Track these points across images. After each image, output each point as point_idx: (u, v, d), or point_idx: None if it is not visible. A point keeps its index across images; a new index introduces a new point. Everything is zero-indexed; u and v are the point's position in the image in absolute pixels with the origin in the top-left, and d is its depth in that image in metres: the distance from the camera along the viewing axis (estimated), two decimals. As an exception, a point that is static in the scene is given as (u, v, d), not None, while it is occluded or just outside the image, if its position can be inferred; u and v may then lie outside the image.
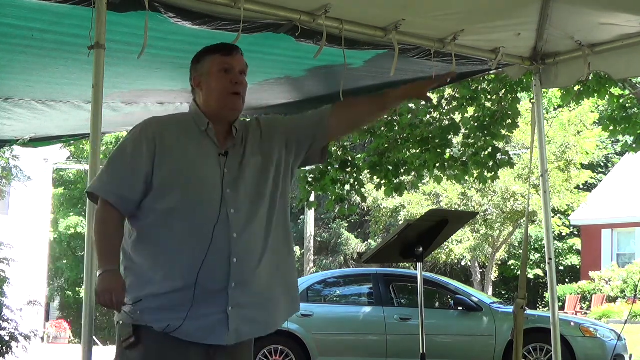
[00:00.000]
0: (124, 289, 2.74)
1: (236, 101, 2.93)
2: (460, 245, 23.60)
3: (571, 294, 23.41)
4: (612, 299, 22.07)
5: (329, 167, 9.80)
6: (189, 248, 2.76)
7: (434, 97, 10.20)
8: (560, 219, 25.42)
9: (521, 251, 22.27)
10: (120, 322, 2.79)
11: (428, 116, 9.83)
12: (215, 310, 2.76)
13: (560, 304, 19.03)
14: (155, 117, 3.00)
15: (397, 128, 9.78)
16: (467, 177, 10.17)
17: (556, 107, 17.82)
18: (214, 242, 2.74)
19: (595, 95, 9.61)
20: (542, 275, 26.75)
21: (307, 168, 10.51)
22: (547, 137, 20.28)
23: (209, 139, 2.90)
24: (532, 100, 5.45)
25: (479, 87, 9.56)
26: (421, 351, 4.64)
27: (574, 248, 29.16)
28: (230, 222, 2.79)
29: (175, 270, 2.76)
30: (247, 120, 3.06)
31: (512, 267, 27.12)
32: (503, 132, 9.57)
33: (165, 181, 2.81)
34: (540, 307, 25.63)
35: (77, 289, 29.99)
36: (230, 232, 2.78)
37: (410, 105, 9.82)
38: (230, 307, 2.77)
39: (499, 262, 26.72)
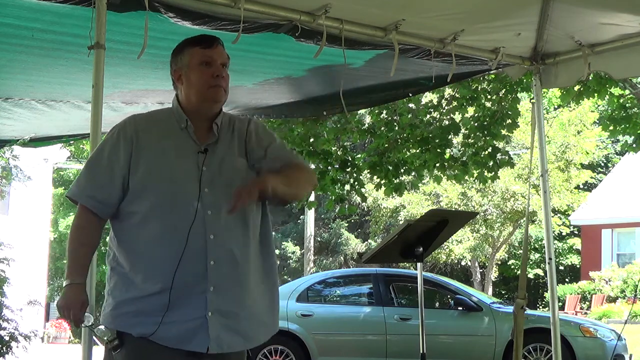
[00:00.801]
0: (85, 305, 2.71)
1: (217, 92, 2.80)
2: (460, 245, 23.61)
3: (571, 294, 23.41)
4: (612, 299, 22.07)
5: (329, 167, 9.79)
6: (165, 250, 2.67)
7: (434, 97, 10.21)
8: (560, 218, 25.43)
9: (521, 251, 22.27)
10: (104, 325, 2.73)
11: (428, 116, 9.82)
12: (193, 315, 2.67)
13: (560, 304, 19.02)
14: (134, 116, 2.90)
15: (397, 128, 9.77)
16: (467, 177, 10.17)
17: (556, 107, 17.80)
18: (189, 244, 2.65)
19: (595, 95, 9.60)
20: (542, 275, 26.75)
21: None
22: (547, 137, 20.27)
23: (188, 137, 2.79)
24: (532, 100, 5.45)
25: (479, 87, 9.56)
26: (421, 351, 4.65)
27: (574, 248, 29.16)
28: (207, 223, 2.69)
29: (152, 273, 2.68)
30: (241, 117, 2.97)
31: (512, 267, 27.12)
32: (503, 132, 9.58)
33: (140, 183, 2.73)
34: (540, 307, 25.61)
35: (77, 289, 29.93)
36: (207, 234, 2.68)
37: (410, 105, 9.81)
38: (210, 312, 2.67)
39: (499, 262, 26.73)
